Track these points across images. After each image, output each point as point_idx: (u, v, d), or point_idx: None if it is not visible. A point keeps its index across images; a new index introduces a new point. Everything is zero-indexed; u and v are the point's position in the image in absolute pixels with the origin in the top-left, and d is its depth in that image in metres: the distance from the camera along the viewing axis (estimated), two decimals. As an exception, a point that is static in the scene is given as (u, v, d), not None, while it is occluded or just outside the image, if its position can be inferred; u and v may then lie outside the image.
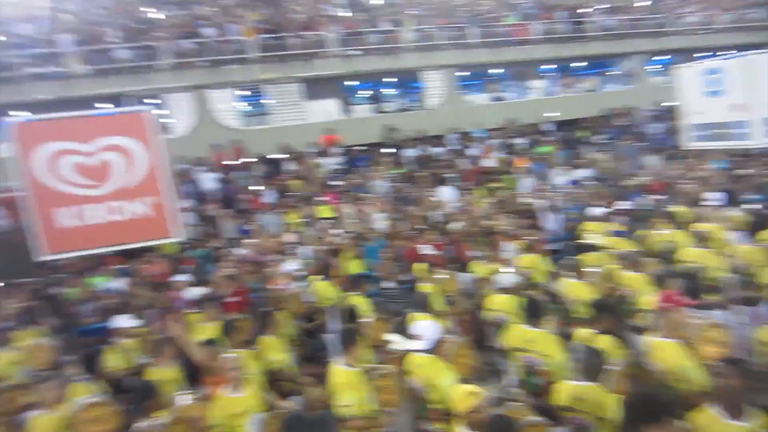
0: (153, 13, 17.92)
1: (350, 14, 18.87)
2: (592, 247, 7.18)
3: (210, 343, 5.39)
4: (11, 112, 11.93)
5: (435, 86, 18.14)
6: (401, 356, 4.92)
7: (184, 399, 4.47)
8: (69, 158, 8.47)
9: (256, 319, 6.13)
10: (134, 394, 4.71)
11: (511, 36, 18.70)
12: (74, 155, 8.50)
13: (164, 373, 5.15)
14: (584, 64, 20.93)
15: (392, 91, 19.60)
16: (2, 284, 7.97)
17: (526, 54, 18.95)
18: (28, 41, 15.81)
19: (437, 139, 16.17)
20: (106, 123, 8.91)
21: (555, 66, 20.23)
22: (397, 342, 5.49)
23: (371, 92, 19.11)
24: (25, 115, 11.06)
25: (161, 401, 4.54)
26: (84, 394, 4.67)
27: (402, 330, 5.60)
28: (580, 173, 12.82)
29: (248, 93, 17.34)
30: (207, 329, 6.11)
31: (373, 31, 17.47)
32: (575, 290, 5.90)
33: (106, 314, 6.71)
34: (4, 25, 16.97)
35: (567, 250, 7.94)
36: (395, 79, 19.22)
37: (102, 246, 8.55)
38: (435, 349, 4.50)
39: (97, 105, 14.43)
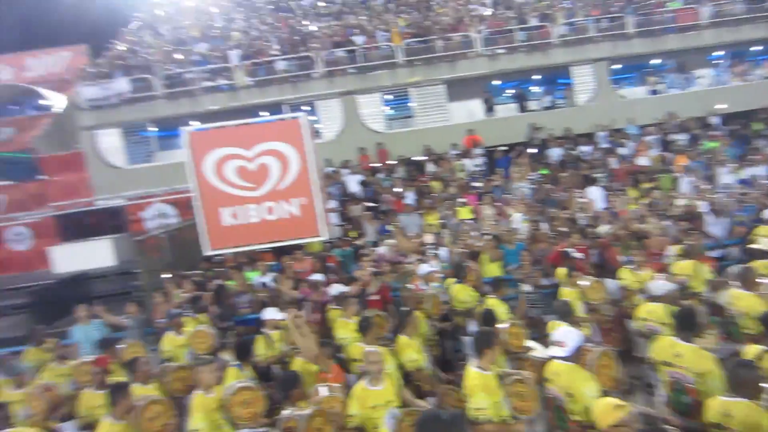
0: (309, 26, 19.14)
1: (497, 12, 18.51)
2: (766, 254, 6.29)
3: (327, 343, 5.68)
4: (187, 122, 13.46)
5: (585, 81, 17.11)
6: (540, 363, 4.71)
7: (325, 390, 4.70)
8: (233, 162, 9.33)
9: (394, 317, 6.26)
10: (280, 383, 5.05)
11: (674, 22, 17.01)
12: (237, 160, 9.34)
13: (307, 364, 5.46)
14: (761, 48, 18.29)
15: (538, 89, 18.86)
16: (171, 275, 8.98)
17: (692, 41, 17.10)
18: (203, 58, 17.79)
19: (585, 138, 15.26)
20: (264, 130, 9.67)
21: (727, 52, 17.97)
22: (536, 348, 5.28)
23: (516, 91, 18.56)
24: (197, 124, 12.41)
25: (304, 391, 4.81)
26: (236, 378, 5.10)
27: (541, 336, 5.37)
28: (753, 171, 11.28)
29: (394, 97, 17.79)
30: (347, 325, 6.37)
31: (520, 28, 16.98)
32: (743, 302, 5.21)
33: (258, 306, 7.26)
34: (184, 44, 19.28)
35: (734, 256, 7.04)
36: (542, 77, 18.47)
37: (257, 243, 9.31)
38: (576, 358, 4.27)
39: (258, 113, 15.79)
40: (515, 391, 4.30)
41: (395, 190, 12.98)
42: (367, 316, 5.92)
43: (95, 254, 11.09)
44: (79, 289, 10.42)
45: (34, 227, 14.07)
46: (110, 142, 17.01)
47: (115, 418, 4.46)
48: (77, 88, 17.38)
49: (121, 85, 16.96)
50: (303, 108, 15.86)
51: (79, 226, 11.83)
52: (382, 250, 9.33)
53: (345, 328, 6.43)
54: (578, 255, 7.48)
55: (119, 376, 5.89)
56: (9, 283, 12.24)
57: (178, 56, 18.23)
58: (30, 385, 5.81)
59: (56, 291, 10.40)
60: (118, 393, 4.56)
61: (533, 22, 17.20)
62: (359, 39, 17.21)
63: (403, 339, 5.62)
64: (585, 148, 14.57)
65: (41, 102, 20.58)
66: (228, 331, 6.95)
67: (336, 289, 7.59)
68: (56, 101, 20.09)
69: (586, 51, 16.83)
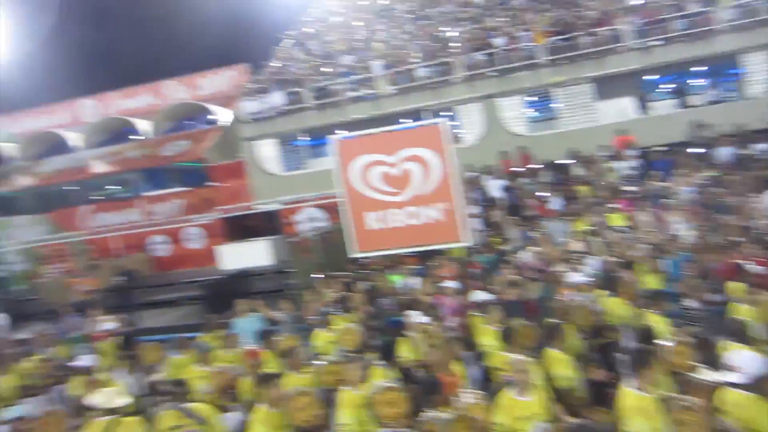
0: (448, 32, 19.24)
1: (649, 1, 17.10)
2: None
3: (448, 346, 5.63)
4: (335, 131, 14.20)
5: (760, 70, 15.15)
6: (710, 389, 4.24)
7: (468, 397, 4.65)
8: (377, 169, 9.61)
9: (541, 328, 6.03)
10: (422, 386, 5.10)
11: None
12: (381, 166, 9.61)
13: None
14: None
15: (701, 82, 17.06)
16: (322, 276, 9.50)
17: None
18: (348, 70, 18.68)
19: (763, 134, 13.48)
20: (406, 136, 9.83)
21: None
22: (705, 372, 4.77)
23: (674, 85, 16.97)
24: (343, 133, 13.03)
25: (447, 396, 4.80)
26: (381, 378, 5.24)
27: (710, 358, 4.84)
28: None
29: (536, 98, 17.24)
30: (489, 332, 6.27)
31: (679, 15, 15.53)
32: None
33: (402, 309, 7.42)
34: (331, 58, 20.38)
35: None
36: (706, 68, 16.71)
37: (400, 247, 9.50)
38: (758, 387, 3.76)
39: (400, 120, 16.18)
40: (681, 419, 3.88)
41: (539, 194, 12.53)
42: (511, 325, 5.78)
43: (255, 254, 12.06)
44: (242, 285, 11.43)
45: (206, 228, 15.69)
46: (267, 152, 18.53)
47: (267, 406, 4.79)
48: (240, 103, 19.17)
49: (277, 98, 18.40)
50: (443, 113, 15.99)
51: (242, 228, 12.94)
52: (526, 257, 9.05)
53: (487, 336, 6.34)
54: (757, 268, 6.62)
55: (275, 366, 6.38)
56: (185, 277, 13.79)
57: (326, 69, 19.32)
58: (210, 365, 6.48)
59: (223, 285, 11.51)
60: (267, 383, 4.91)
61: (694, 8, 15.61)
62: (499, 41, 16.93)
63: (552, 353, 5.36)
64: (762, 146, 12.88)
65: (211, 117, 22.97)
66: (377, 331, 7.17)
67: (478, 295, 7.50)
68: (223, 116, 22.30)
69: (761, 35, 14.91)
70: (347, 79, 18.07)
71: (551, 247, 9.12)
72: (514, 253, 9.51)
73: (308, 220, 14.02)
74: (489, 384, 5.79)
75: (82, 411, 5.48)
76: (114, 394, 5.04)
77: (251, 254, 12.11)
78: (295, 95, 18.27)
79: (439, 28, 19.89)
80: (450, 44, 17.87)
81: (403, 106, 17.16)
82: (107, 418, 4.79)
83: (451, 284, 7.90)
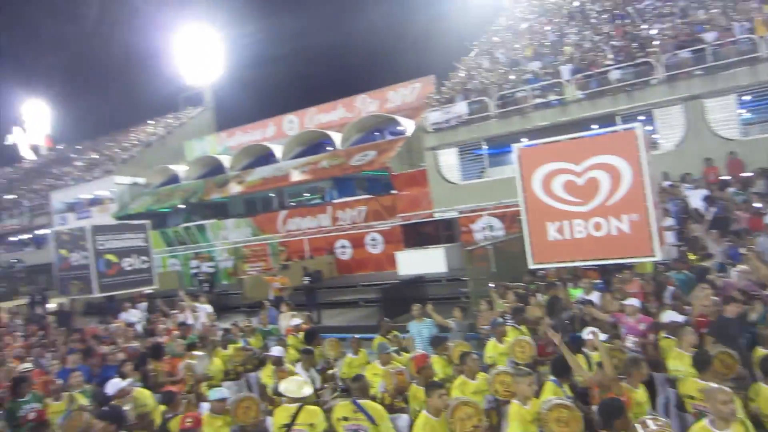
0: (648, 29, 17.68)
1: None
2: None
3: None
4: (517, 140, 13.90)
5: None
6: None
7: (652, 425, 4.23)
8: (561, 177, 9.19)
9: (748, 358, 5.26)
10: (602, 408, 4.73)
11: None
12: (565, 174, 9.17)
13: (632, 393, 5.01)
14: None
15: None
16: (495, 285, 9.32)
17: None
18: (534, 76, 18.18)
19: None
20: (595, 143, 9.24)
21: None
22: None
23: None
24: (526, 141, 12.73)
25: (629, 421, 4.41)
26: (553, 394, 5.00)
27: None
28: None
29: (753, 97, 14.96)
30: (681, 357, 5.65)
31: None
32: None
33: (581, 324, 6.99)
34: (518, 65, 20.02)
35: None
36: None
37: (582, 259, 8.95)
38: None
39: (590, 127, 15.28)
40: None
41: (753, 206, 10.86)
42: (706, 351, 5.13)
43: (431, 260, 12.36)
44: (416, 290, 11.77)
45: (385, 234, 16.51)
46: (448, 161, 18.84)
47: (430, 414, 4.83)
48: (424, 113, 19.81)
49: (460, 108, 18.63)
50: (638, 118, 14.73)
51: (419, 235, 13.37)
52: (732, 276, 7.92)
53: (679, 361, 5.72)
54: None
55: (444, 372, 6.43)
56: (364, 280, 14.64)
57: (512, 77, 19.04)
58: (387, 366, 6.75)
59: (400, 290, 11.97)
60: (432, 390, 4.96)
61: None
62: (710, 35, 15.09)
63: (762, 388, 4.62)
64: None
65: (397, 128, 24.10)
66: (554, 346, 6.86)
67: (670, 315, 6.77)
68: (409, 126, 23.27)
69: None
70: (533, 86, 17.61)
71: (765, 266, 7.85)
72: (718, 271, 8.39)
73: (485, 229, 13.96)
74: (679, 412, 5.22)
75: (272, 397, 6.10)
76: (299, 384, 5.50)
77: (427, 261, 12.43)
78: (478, 104, 18.33)
79: (639, 27, 18.37)
80: (649, 43, 16.40)
81: (591, 112, 16.21)
82: (293, 405, 5.23)
83: (634, 302, 7.24)
